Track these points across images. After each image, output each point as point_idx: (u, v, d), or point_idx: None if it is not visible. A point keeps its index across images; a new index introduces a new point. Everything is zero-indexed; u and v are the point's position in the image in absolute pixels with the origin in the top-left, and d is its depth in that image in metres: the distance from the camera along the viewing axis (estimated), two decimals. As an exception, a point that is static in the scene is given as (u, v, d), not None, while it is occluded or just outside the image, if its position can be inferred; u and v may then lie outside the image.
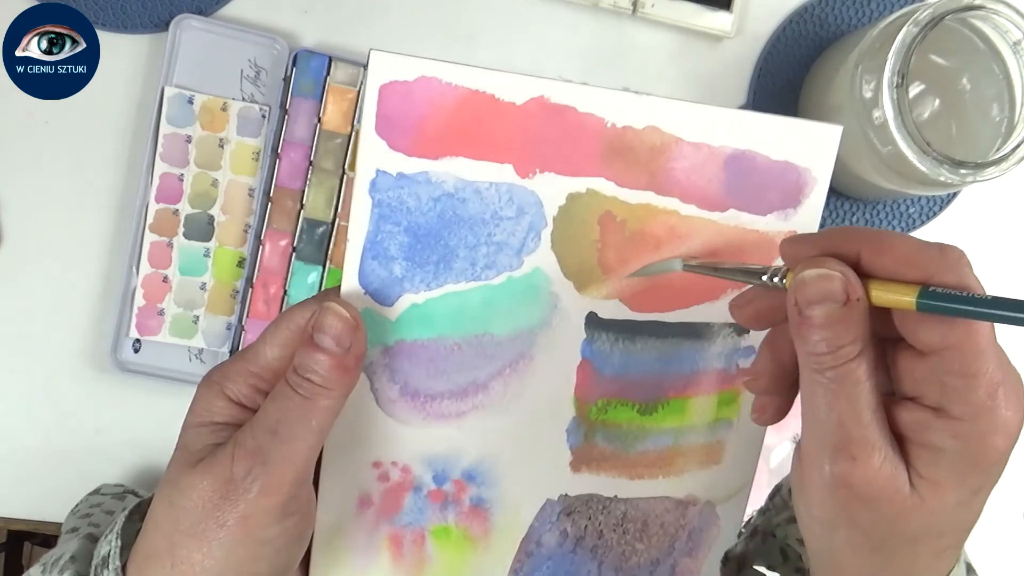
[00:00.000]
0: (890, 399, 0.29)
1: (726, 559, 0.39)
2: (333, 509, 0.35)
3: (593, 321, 0.35)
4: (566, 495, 0.37)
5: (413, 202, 0.33)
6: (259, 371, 0.32)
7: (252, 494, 0.29)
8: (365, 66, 0.32)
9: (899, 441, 0.28)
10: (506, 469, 0.36)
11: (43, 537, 0.54)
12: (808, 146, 0.35)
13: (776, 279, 0.29)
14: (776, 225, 0.35)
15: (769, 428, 0.64)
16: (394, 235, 0.33)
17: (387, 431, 0.35)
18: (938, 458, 0.28)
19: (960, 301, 0.25)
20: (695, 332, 0.36)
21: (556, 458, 0.37)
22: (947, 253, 0.27)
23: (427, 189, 0.33)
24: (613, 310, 0.35)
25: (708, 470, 0.38)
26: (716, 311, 0.36)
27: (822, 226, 0.62)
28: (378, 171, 0.32)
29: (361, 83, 0.58)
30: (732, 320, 0.35)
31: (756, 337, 0.36)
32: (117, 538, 0.33)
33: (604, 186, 0.34)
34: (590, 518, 0.38)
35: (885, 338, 0.29)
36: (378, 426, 0.35)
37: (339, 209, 0.58)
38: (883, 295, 0.27)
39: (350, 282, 0.33)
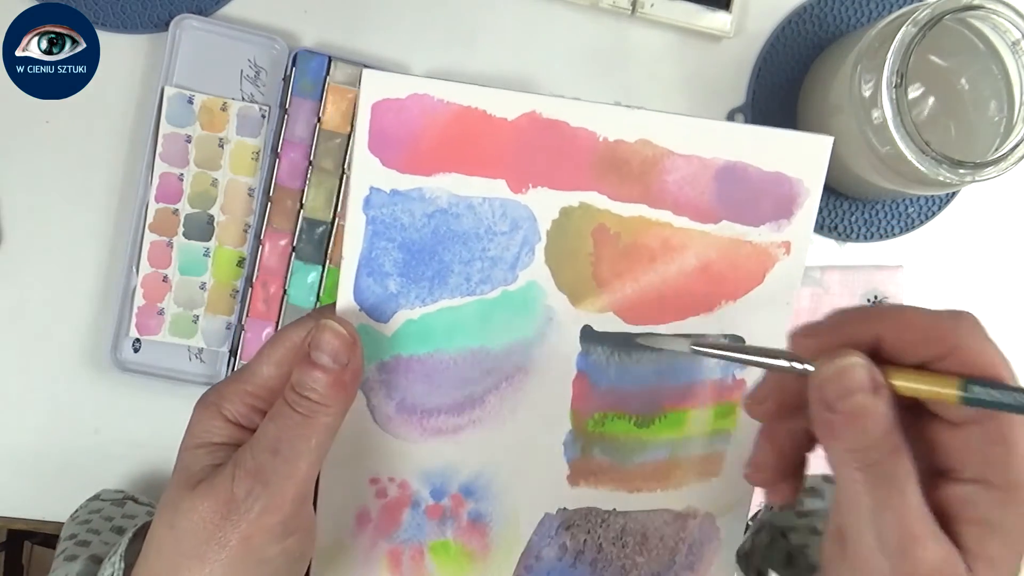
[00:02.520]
0: (925, 477, 0.28)
1: (738, 555, 0.39)
2: (332, 526, 0.35)
3: (588, 334, 0.35)
4: (564, 509, 0.37)
5: (407, 218, 0.33)
6: (256, 390, 0.32)
7: (253, 514, 0.29)
8: (359, 83, 0.32)
9: (944, 519, 0.27)
10: (504, 483, 0.36)
11: (43, 536, 0.54)
12: (799, 157, 0.35)
13: (798, 364, 0.28)
14: (769, 236, 0.35)
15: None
16: (389, 251, 0.33)
17: (384, 447, 0.35)
18: (989, 532, 0.27)
19: (1005, 395, 0.26)
20: None
21: (554, 472, 0.37)
22: (962, 321, 0.27)
23: (421, 205, 0.33)
24: (608, 323, 0.35)
25: (707, 482, 0.38)
26: (711, 323, 0.36)
27: (819, 225, 0.62)
28: (372, 188, 0.32)
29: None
30: (727, 332, 0.36)
31: None
32: (121, 560, 0.33)
33: (597, 199, 0.34)
34: (589, 532, 0.38)
35: (909, 412, 0.28)
36: (375, 442, 0.35)
37: (339, 209, 0.58)
38: (920, 387, 0.27)
39: (346, 299, 0.33)
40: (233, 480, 0.30)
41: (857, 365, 0.27)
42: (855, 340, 0.28)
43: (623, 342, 0.36)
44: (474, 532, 0.36)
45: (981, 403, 0.26)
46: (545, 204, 0.34)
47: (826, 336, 0.28)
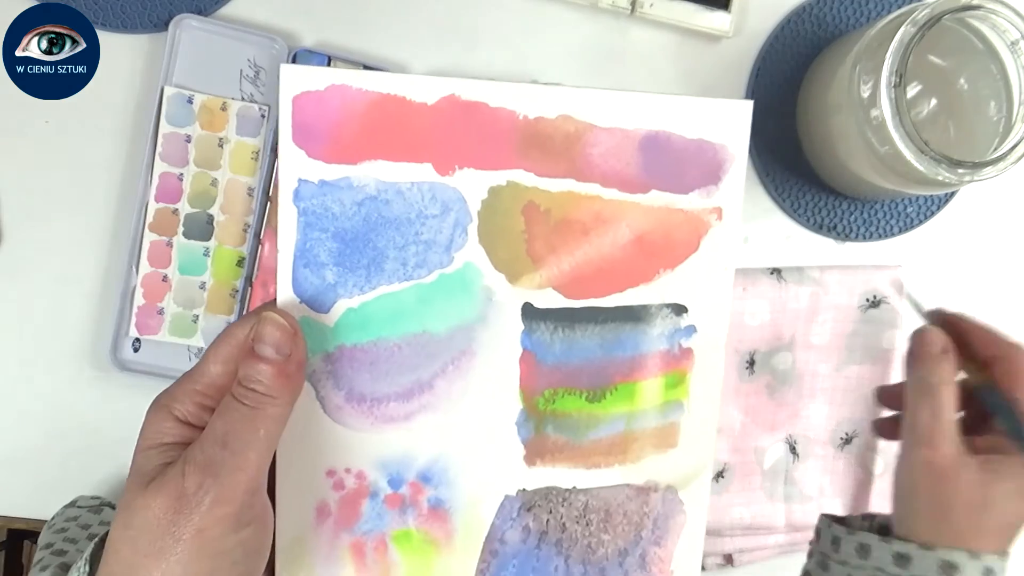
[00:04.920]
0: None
1: None
2: (292, 522, 0.35)
3: (529, 311, 0.36)
4: (524, 490, 0.37)
5: (338, 207, 0.33)
6: (204, 389, 0.32)
7: (205, 506, 0.29)
8: (278, 77, 0.33)
9: (987, 449, 0.41)
10: (461, 467, 0.37)
11: (43, 536, 0.54)
12: (720, 123, 0.36)
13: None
14: (700, 203, 0.36)
15: (762, 429, 0.64)
16: (322, 242, 0.34)
17: (337, 438, 0.35)
18: (1002, 462, 0.41)
19: (1000, 407, 0.42)
20: (633, 315, 0.37)
21: (509, 453, 0.37)
22: (1018, 347, 0.42)
23: (350, 194, 0.33)
24: (548, 299, 0.36)
25: (665, 454, 0.38)
26: (651, 293, 0.37)
27: (818, 224, 0.62)
28: (300, 180, 0.33)
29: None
30: (668, 301, 0.37)
31: (695, 317, 0.37)
32: (86, 564, 0.33)
33: (524, 177, 0.35)
34: (551, 511, 0.38)
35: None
36: (328, 434, 0.35)
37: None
38: (965, 367, 0.43)
39: (285, 292, 0.34)
40: (184, 475, 0.30)
41: (935, 332, 0.43)
42: (960, 330, 0.43)
43: (565, 317, 0.36)
44: (435, 519, 0.37)
45: (984, 398, 0.43)
46: (473, 185, 0.34)
47: (950, 321, 0.44)
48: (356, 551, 0.36)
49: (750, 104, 0.36)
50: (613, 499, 0.38)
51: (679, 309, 0.37)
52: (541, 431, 0.37)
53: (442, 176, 0.34)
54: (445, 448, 0.36)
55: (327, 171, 0.33)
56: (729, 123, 0.36)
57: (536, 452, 0.37)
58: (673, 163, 0.36)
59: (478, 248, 0.35)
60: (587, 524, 0.38)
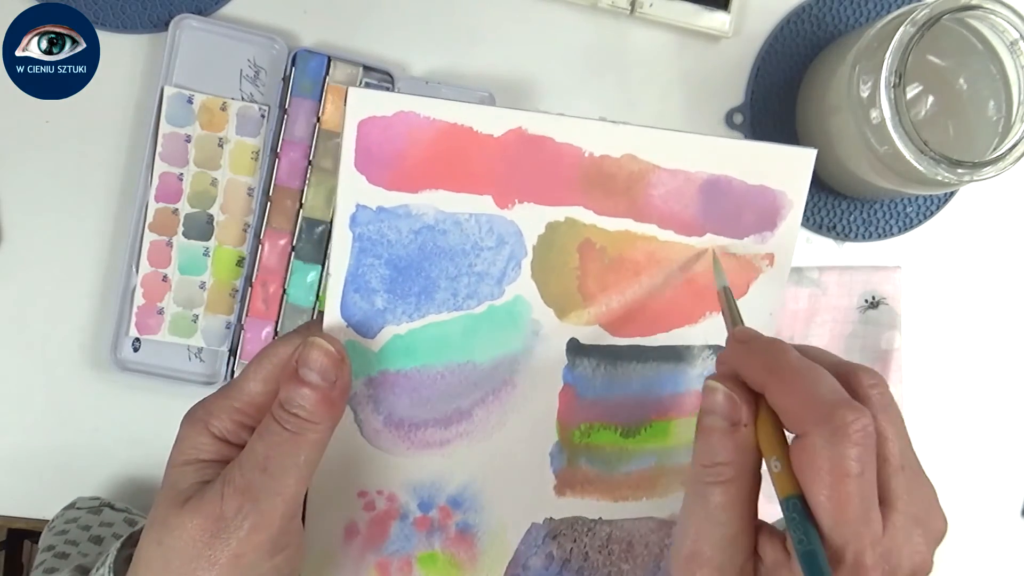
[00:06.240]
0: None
1: None
2: (320, 540, 0.35)
3: (574, 347, 0.36)
4: (551, 518, 0.38)
5: (394, 235, 0.33)
6: (243, 406, 0.32)
7: (243, 531, 0.29)
8: (345, 100, 0.32)
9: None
10: (491, 494, 0.36)
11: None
12: (782, 169, 0.35)
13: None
14: (753, 248, 0.36)
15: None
16: (375, 268, 0.33)
17: (372, 461, 0.35)
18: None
19: (795, 528, 0.26)
20: (676, 355, 0.37)
21: (540, 482, 0.37)
22: (834, 418, 0.26)
23: (407, 222, 0.33)
24: (594, 336, 0.36)
25: None
26: (696, 334, 0.37)
27: (818, 225, 0.62)
28: (358, 205, 0.33)
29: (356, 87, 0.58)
30: (711, 343, 0.36)
31: None
32: (110, 572, 0.33)
33: (583, 214, 0.34)
34: (575, 540, 0.38)
35: None
36: (363, 456, 0.35)
37: (338, 208, 0.58)
38: (767, 453, 0.28)
39: (333, 315, 0.33)
40: (222, 498, 0.30)
41: (718, 391, 0.29)
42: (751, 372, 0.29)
43: (609, 354, 0.36)
44: (462, 543, 0.37)
45: (787, 518, 0.27)
46: (531, 219, 0.34)
47: (743, 356, 0.30)
48: (381, 571, 0.36)
49: (814, 153, 0.35)
50: (636, 530, 0.38)
51: (720, 351, 0.37)
52: (574, 463, 0.37)
53: (501, 209, 0.34)
54: (477, 475, 0.36)
55: (386, 198, 0.33)
56: (791, 170, 0.35)
57: (567, 483, 0.37)
58: (732, 207, 0.35)
59: (530, 283, 0.35)
60: (609, 554, 0.38)
